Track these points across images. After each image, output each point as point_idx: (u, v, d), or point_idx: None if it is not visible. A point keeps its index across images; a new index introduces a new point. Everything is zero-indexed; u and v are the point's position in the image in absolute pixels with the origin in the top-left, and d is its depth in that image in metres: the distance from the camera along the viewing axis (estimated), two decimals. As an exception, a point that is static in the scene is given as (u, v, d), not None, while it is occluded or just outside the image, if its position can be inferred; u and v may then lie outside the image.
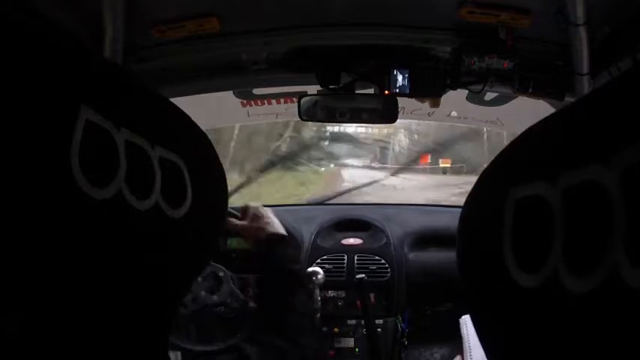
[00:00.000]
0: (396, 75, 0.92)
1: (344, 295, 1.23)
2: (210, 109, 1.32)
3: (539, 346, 0.22)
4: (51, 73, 0.23)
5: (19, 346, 0.22)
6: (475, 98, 1.23)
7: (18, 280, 0.21)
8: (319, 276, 1.07)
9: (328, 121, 1.00)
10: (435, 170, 9.25)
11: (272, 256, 0.85)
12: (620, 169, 0.17)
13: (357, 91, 0.98)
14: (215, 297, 1.11)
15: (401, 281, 1.25)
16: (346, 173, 8.57)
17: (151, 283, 0.30)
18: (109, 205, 0.25)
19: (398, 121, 1.02)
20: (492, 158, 0.29)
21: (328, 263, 1.26)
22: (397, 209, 1.55)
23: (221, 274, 1.13)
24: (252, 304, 1.12)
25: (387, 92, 0.93)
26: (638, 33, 0.74)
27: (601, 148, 0.19)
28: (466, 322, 0.94)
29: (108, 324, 0.26)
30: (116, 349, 0.27)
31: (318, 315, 1.08)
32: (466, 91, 0.97)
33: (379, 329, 1.16)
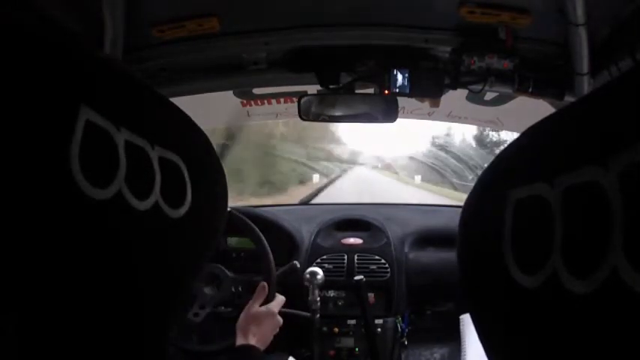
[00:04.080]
0: (396, 75, 0.92)
1: (344, 295, 1.23)
2: (210, 109, 1.32)
3: (539, 346, 0.22)
4: (50, 73, 0.23)
5: (18, 346, 0.22)
6: (475, 98, 1.23)
7: (18, 280, 0.21)
8: (319, 276, 1.07)
9: (328, 121, 1.00)
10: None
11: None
12: (619, 170, 0.17)
13: (357, 91, 0.98)
14: (214, 297, 1.11)
15: (401, 281, 1.25)
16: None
17: (150, 283, 0.30)
18: (109, 205, 0.25)
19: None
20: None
21: (328, 263, 1.26)
22: (397, 209, 1.55)
23: (220, 273, 1.13)
24: None
25: (387, 92, 0.93)
26: (638, 33, 0.74)
27: (600, 149, 0.19)
28: (464, 321, 0.94)
29: (107, 324, 0.26)
30: (116, 349, 0.27)
31: (318, 315, 1.08)
32: (466, 91, 0.97)
33: (379, 329, 1.16)
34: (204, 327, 1.09)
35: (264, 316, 0.95)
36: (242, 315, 0.95)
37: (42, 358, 0.23)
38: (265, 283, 1.00)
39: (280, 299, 1.00)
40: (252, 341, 0.89)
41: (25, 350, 0.22)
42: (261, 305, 0.97)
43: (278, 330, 0.97)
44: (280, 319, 0.98)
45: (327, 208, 1.56)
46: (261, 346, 0.90)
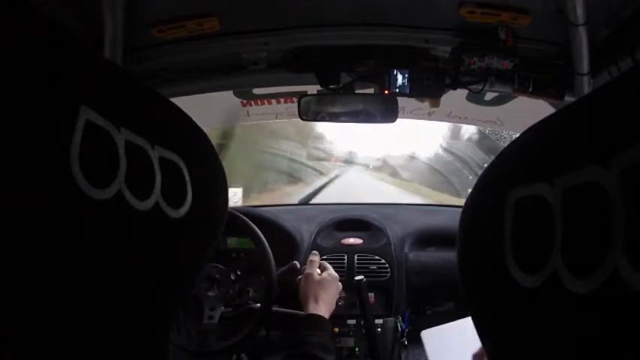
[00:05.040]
0: (396, 75, 0.92)
1: (344, 295, 1.23)
2: (210, 109, 1.32)
3: (540, 346, 0.22)
4: (51, 74, 0.23)
5: (20, 347, 0.22)
6: (475, 98, 1.23)
7: (18, 282, 0.21)
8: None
9: (328, 121, 1.00)
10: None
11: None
12: (620, 169, 0.17)
13: (357, 91, 0.98)
14: (218, 296, 1.11)
15: (401, 281, 1.25)
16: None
17: (151, 283, 0.30)
18: (109, 205, 0.25)
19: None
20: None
21: (328, 263, 1.25)
22: (397, 209, 1.55)
23: (220, 274, 1.13)
24: (252, 303, 1.12)
25: (387, 92, 0.93)
26: (638, 33, 0.74)
27: (601, 149, 0.19)
28: (425, 337, 0.94)
29: (108, 324, 0.26)
30: (116, 349, 0.27)
31: None
32: (466, 91, 0.97)
33: (379, 329, 1.16)
34: (203, 327, 1.09)
35: (330, 282, 0.95)
36: (303, 284, 0.95)
37: (45, 357, 0.23)
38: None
39: (328, 265, 1.01)
40: (323, 309, 0.89)
41: (29, 350, 0.22)
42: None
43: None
44: (341, 285, 0.98)
45: (327, 208, 1.55)
46: (328, 313, 0.91)
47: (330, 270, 0.99)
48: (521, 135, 0.26)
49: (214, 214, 0.36)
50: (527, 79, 0.89)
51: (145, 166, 0.29)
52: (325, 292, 0.93)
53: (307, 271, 0.97)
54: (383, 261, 1.26)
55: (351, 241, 1.32)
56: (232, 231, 1.20)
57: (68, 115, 0.23)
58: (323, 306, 0.90)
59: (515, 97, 1.14)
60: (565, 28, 0.79)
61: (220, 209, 0.37)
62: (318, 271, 0.99)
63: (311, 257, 1.02)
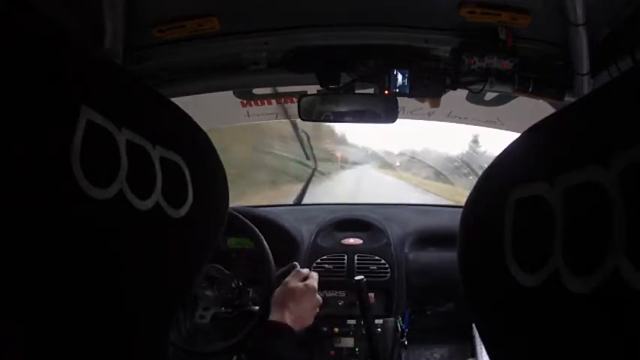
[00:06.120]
0: (396, 75, 0.92)
1: (344, 295, 1.23)
2: (210, 109, 1.32)
3: (540, 345, 0.22)
4: (51, 74, 0.23)
5: (21, 347, 0.22)
6: (475, 98, 1.23)
7: (18, 282, 0.21)
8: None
9: (328, 121, 1.00)
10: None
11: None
12: (620, 169, 0.17)
13: (357, 91, 0.98)
14: (217, 297, 1.11)
15: (401, 281, 1.25)
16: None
17: (151, 283, 0.30)
18: (110, 205, 0.25)
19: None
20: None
21: (328, 263, 1.25)
22: (397, 209, 1.54)
23: (220, 274, 1.13)
24: (251, 304, 1.12)
25: (387, 92, 0.93)
26: (638, 33, 0.74)
27: (601, 149, 0.19)
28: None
29: (108, 323, 0.26)
30: (116, 348, 0.27)
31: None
32: (466, 91, 0.97)
33: (379, 329, 1.16)
34: (203, 327, 1.09)
35: (302, 293, 0.90)
36: (278, 290, 0.91)
37: (45, 356, 0.23)
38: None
39: (316, 275, 0.97)
40: (288, 319, 0.83)
41: (30, 349, 0.22)
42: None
43: (318, 310, 0.93)
44: (320, 299, 0.94)
45: (327, 208, 1.55)
46: (297, 326, 0.84)
47: (311, 281, 0.94)
48: (522, 135, 0.26)
49: (215, 214, 0.36)
50: (527, 79, 0.89)
51: (146, 165, 0.29)
52: (294, 302, 0.88)
53: (287, 279, 0.95)
54: (383, 261, 1.26)
55: (351, 241, 1.31)
56: (232, 231, 1.20)
57: (69, 115, 0.23)
58: (288, 315, 0.85)
59: (515, 97, 1.14)
60: (565, 28, 0.80)
61: (221, 209, 0.37)
62: (300, 284, 0.94)
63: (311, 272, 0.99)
